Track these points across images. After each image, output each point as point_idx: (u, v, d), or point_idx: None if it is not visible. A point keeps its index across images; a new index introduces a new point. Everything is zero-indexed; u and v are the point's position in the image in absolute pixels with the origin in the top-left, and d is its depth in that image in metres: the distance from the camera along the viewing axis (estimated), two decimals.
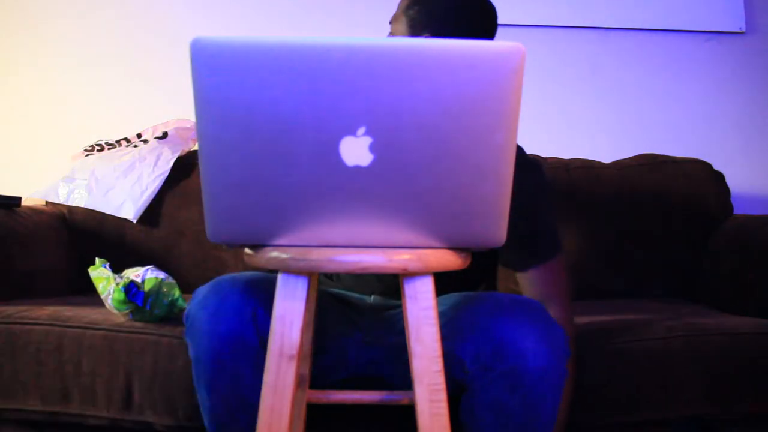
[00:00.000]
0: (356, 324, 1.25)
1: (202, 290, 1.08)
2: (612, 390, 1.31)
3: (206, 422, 1.09)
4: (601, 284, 1.84)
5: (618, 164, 1.96)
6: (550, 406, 1.04)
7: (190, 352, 1.07)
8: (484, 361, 1.04)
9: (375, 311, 1.28)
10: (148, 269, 1.37)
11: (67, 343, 1.33)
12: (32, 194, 1.91)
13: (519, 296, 1.13)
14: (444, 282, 1.14)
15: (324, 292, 1.27)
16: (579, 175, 1.93)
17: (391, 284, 1.29)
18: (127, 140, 2.01)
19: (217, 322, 1.03)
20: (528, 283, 1.26)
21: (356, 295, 1.32)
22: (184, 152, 1.96)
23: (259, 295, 1.05)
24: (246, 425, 1.06)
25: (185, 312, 1.09)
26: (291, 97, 0.78)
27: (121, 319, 1.36)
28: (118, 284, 1.33)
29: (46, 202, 1.92)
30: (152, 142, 1.96)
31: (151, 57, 2.19)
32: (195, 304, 1.07)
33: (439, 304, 1.19)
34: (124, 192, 1.86)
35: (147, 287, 1.34)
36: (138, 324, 1.34)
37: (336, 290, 1.33)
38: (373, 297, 1.31)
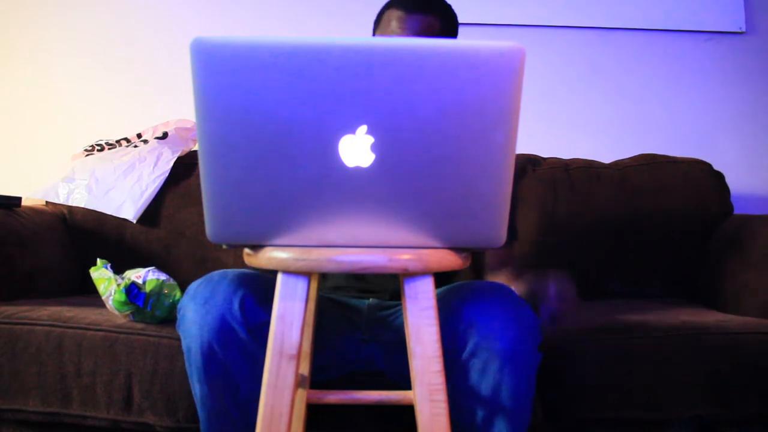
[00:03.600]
0: (354, 323, 1.26)
1: (195, 284, 1.10)
2: (611, 388, 1.31)
3: (199, 413, 1.10)
4: (601, 284, 1.84)
5: (618, 164, 1.96)
6: (524, 388, 1.04)
7: (182, 344, 1.09)
8: (456, 344, 1.06)
9: (372, 310, 1.28)
10: (149, 270, 1.37)
11: (67, 343, 1.33)
12: (32, 194, 1.91)
13: (493, 282, 1.13)
14: (440, 280, 1.15)
15: (322, 296, 1.27)
16: (579, 175, 1.93)
17: (388, 289, 1.29)
18: (127, 140, 2.01)
19: (206, 312, 1.04)
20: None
21: (354, 299, 1.32)
22: (184, 152, 1.96)
23: (248, 286, 1.06)
24: (238, 416, 1.07)
25: (178, 306, 1.11)
26: (291, 97, 0.79)
27: (122, 320, 1.36)
28: (119, 285, 1.33)
29: (46, 202, 1.92)
30: (152, 142, 1.96)
31: (152, 57, 2.19)
32: (187, 296, 1.08)
33: None
34: (124, 192, 1.86)
35: (148, 288, 1.34)
36: (138, 325, 1.34)
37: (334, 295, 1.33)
38: (370, 299, 1.31)
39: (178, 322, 1.10)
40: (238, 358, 1.05)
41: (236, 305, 1.04)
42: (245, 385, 1.06)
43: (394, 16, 1.27)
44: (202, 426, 1.11)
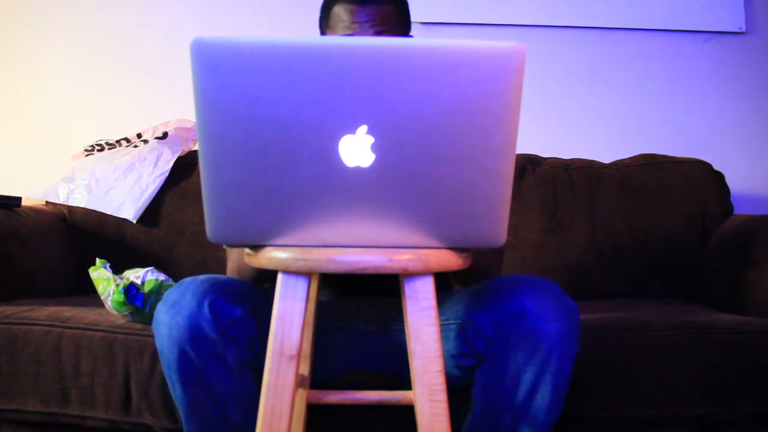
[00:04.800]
0: (355, 319, 1.26)
1: (169, 290, 1.10)
2: (611, 388, 1.30)
3: (181, 413, 1.11)
4: (600, 284, 1.84)
5: (618, 164, 1.96)
6: (566, 375, 1.06)
7: (156, 344, 1.09)
8: (504, 326, 1.06)
9: (374, 307, 1.28)
10: (148, 270, 1.37)
11: (65, 344, 1.33)
12: (32, 194, 1.91)
13: (533, 275, 1.13)
14: (444, 280, 1.14)
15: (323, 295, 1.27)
16: (579, 175, 1.93)
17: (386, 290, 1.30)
18: (127, 140, 2.01)
19: (176, 312, 1.05)
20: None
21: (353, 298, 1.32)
22: (184, 152, 1.96)
23: (218, 287, 1.07)
24: (216, 414, 1.08)
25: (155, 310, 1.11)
26: (291, 97, 0.78)
27: (121, 321, 1.36)
28: (117, 285, 1.33)
29: (46, 202, 1.92)
30: (152, 142, 1.96)
31: (152, 57, 2.19)
32: (161, 301, 1.09)
33: (459, 290, 1.20)
34: (124, 192, 1.86)
35: (147, 289, 1.33)
36: (137, 326, 1.34)
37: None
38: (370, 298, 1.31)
39: (152, 324, 1.10)
40: (210, 358, 1.05)
41: (205, 305, 1.04)
42: (219, 384, 1.06)
43: (346, 10, 1.18)
44: (184, 426, 1.11)
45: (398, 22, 1.22)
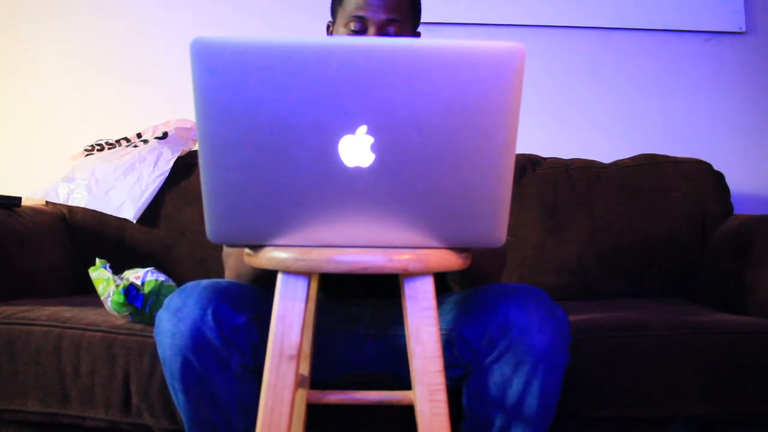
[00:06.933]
0: (354, 321, 1.26)
1: (170, 295, 1.10)
2: (611, 387, 1.30)
3: (183, 420, 1.11)
4: (600, 284, 1.84)
5: (618, 164, 1.96)
6: (553, 389, 1.05)
7: (158, 352, 1.08)
8: (491, 337, 1.05)
9: (373, 309, 1.28)
10: (147, 271, 1.37)
11: (65, 344, 1.33)
12: (32, 194, 1.91)
13: (525, 284, 1.13)
14: (442, 282, 1.14)
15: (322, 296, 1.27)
16: (579, 175, 1.93)
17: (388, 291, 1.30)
18: (127, 140, 2.01)
19: (179, 320, 1.04)
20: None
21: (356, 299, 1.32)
22: (184, 152, 1.96)
23: (221, 294, 1.06)
24: (219, 420, 1.08)
25: (156, 316, 1.10)
26: (291, 97, 0.79)
27: (121, 321, 1.36)
28: (117, 286, 1.33)
29: (46, 202, 1.92)
30: (152, 142, 1.96)
31: (152, 57, 2.19)
32: (163, 307, 1.08)
33: (448, 297, 1.20)
34: (124, 192, 1.86)
35: (147, 289, 1.33)
36: (137, 326, 1.34)
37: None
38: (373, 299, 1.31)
39: (154, 331, 1.09)
40: (213, 365, 1.05)
41: (209, 312, 1.04)
42: (222, 391, 1.06)
43: None
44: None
45: (409, 14, 1.24)
